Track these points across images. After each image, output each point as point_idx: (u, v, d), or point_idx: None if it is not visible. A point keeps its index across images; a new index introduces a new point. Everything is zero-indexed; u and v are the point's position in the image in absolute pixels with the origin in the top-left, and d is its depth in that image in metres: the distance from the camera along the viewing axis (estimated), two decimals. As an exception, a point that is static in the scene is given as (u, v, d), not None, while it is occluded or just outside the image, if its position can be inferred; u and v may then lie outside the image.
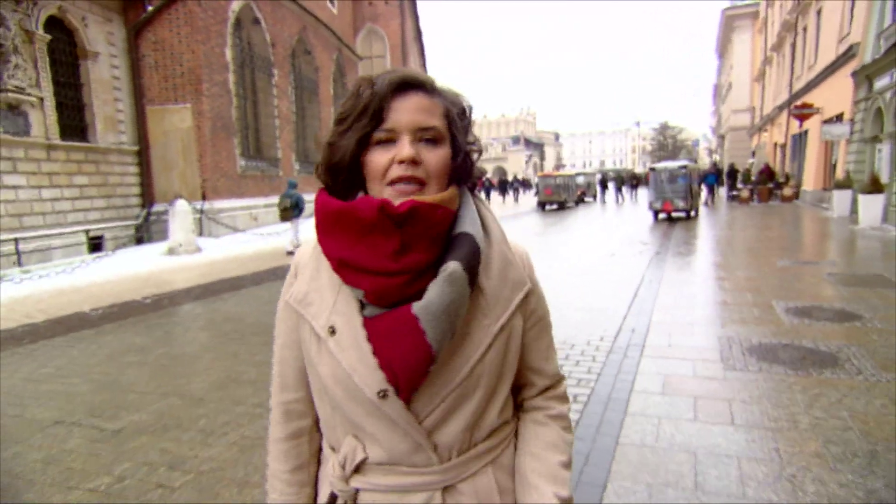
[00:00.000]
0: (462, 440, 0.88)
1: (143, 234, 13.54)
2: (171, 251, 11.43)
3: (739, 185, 23.96)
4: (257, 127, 17.51)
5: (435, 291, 0.80)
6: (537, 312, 0.97)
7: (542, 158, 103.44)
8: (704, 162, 62.42)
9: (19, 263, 9.82)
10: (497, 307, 0.88)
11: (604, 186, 31.99)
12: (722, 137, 54.97)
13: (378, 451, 0.86)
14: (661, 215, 17.30)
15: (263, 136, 17.79)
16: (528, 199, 34.53)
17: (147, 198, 13.98)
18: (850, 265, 8.15)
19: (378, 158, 0.84)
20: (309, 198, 14.02)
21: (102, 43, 12.77)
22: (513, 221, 19.83)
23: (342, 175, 0.88)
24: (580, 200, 29.93)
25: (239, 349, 5.30)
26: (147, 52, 13.78)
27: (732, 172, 26.87)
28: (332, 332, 0.85)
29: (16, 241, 9.91)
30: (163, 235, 12.67)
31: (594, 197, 32.45)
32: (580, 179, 31.00)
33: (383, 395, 0.82)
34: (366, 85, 0.85)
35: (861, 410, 3.24)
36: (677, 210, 16.67)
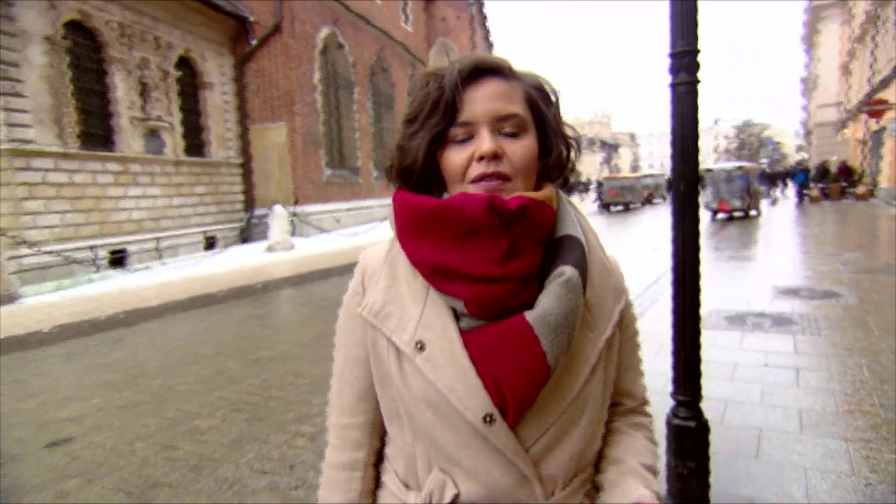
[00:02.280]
0: (567, 470, 0.77)
1: (247, 234, 15.85)
2: (270, 248, 13.52)
3: (810, 184, 23.62)
4: (340, 139, 19.60)
5: (552, 300, 0.70)
6: (631, 327, 0.89)
7: (609, 160, 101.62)
8: (791, 161, 59.66)
9: (159, 256, 12.22)
10: (601, 319, 0.79)
11: (671, 188, 32.00)
12: (809, 134, 52.50)
13: (473, 486, 0.73)
14: (719, 215, 17.78)
15: (346, 147, 19.87)
16: (588, 203, 35.01)
17: (249, 203, 16.30)
18: (870, 257, 8.78)
19: (455, 157, 0.75)
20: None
21: (216, 73, 15.18)
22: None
23: (415, 177, 0.79)
24: (647, 202, 30.25)
25: (329, 317, 6.96)
26: (250, 79, 16.12)
27: (820, 169, 26.35)
28: (421, 347, 0.73)
29: (156, 239, 12.33)
30: (263, 235, 14.85)
31: (662, 198, 32.56)
32: (647, 181, 31.28)
33: (489, 419, 0.70)
34: (433, 78, 0.76)
35: (782, 353, 4.38)
36: (734, 210, 17.12)
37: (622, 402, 0.90)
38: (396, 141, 0.80)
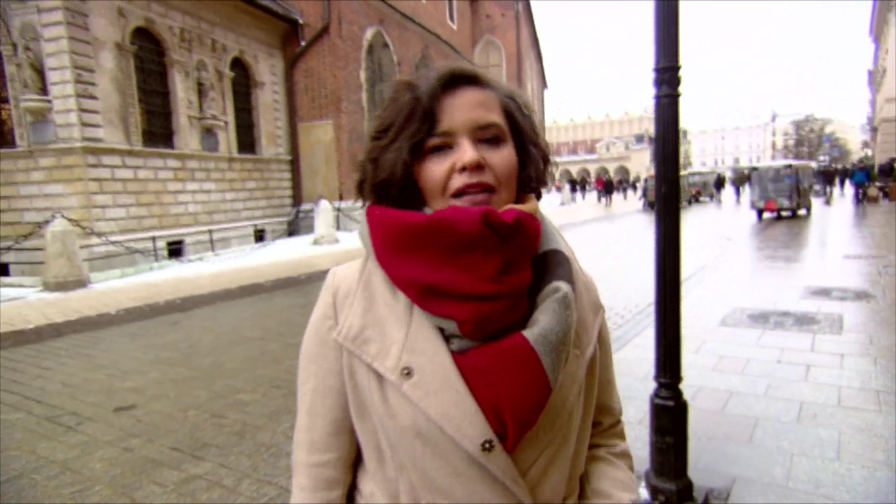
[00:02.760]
0: (559, 493, 0.75)
1: (294, 227, 16.55)
2: (316, 241, 14.12)
3: (869, 183, 22.61)
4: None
5: (550, 317, 0.68)
6: (607, 341, 0.85)
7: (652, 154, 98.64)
8: (855, 158, 56.84)
9: (212, 248, 12.99)
10: (585, 336, 0.77)
11: (719, 186, 31.27)
12: (875, 130, 49.93)
13: None
14: (766, 214, 17.35)
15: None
16: (633, 201, 34.49)
17: (297, 198, 17.01)
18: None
19: (435, 169, 0.71)
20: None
21: (267, 73, 15.90)
22: (614, 221, 20.74)
23: (393, 191, 0.74)
24: (695, 200, 29.61)
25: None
26: (299, 79, 16.78)
27: (885, 168, 25.15)
28: (408, 374, 0.68)
29: (210, 231, 13.11)
30: (309, 229, 15.49)
31: (710, 196, 31.78)
32: (695, 178, 30.60)
33: (488, 446, 0.66)
34: (405, 88, 0.74)
35: (799, 350, 4.47)
36: (781, 209, 16.69)
37: (601, 421, 0.88)
38: (366, 155, 0.77)
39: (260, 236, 15.27)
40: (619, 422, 0.92)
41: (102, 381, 4.72)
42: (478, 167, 0.70)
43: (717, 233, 14.54)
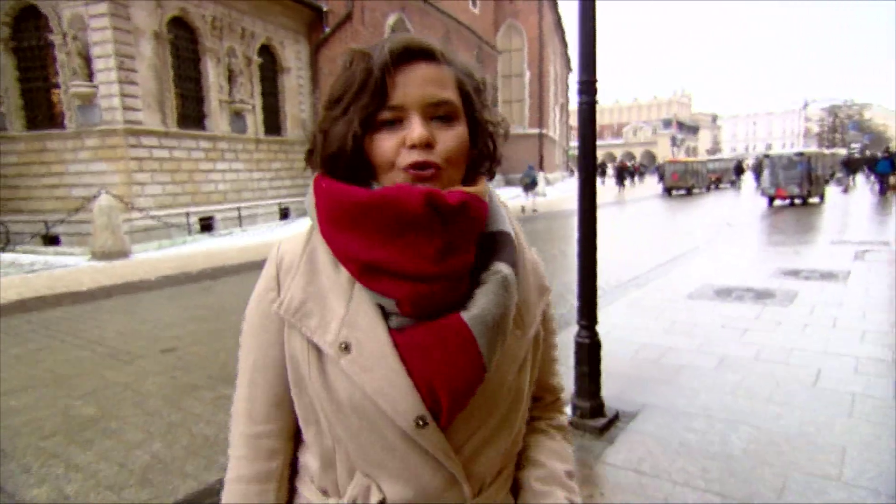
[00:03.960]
0: (494, 467, 0.78)
1: (317, 207, 17.45)
2: (336, 220, 15.01)
3: (891, 172, 22.45)
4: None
5: (490, 299, 0.69)
6: (551, 322, 0.88)
7: (674, 143, 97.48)
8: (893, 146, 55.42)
9: (240, 224, 13.95)
10: (528, 317, 0.77)
11: (739, 172, 31.26)
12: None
13: (400, 489, 0.71)
14: (777, 201, 17.62)
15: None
16: (644, 186, 34.66)
17: (320, 179, 17.89)
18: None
19: (384, 143, 0.69)
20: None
21: (293, 59, 16.69)
22: (630, 206, 21.17)
23: (342, 164, 0.72)
24: (715, 186, 29.70)
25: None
26: (323, 64, 17.52)
27: None
28: (346, 348, 0.69)
29: (238, 209, 14.06)
30: (331, 208, 16.39)
31: (731, 183, 31.78)
32: (714, 165, 30.63)
33: (421, 423, 0.68)
34: (360, 58, 0.70)
35: (745, 318, 5.12)
36: (792, 196, 16.97)
37: (543, 397, 0.91)
38: (318, 124, 0.75)
39: (285, 214, 16.19)
40: (559, 398, 0.94)
41: (149, 331, 5.61)
42: (427, 145, 0.68)
43: (722, 218, 14.96)
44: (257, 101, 15.05)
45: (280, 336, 0.75)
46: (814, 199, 17.83)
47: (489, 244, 0.74)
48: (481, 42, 26.44)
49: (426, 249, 0.66)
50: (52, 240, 11.84)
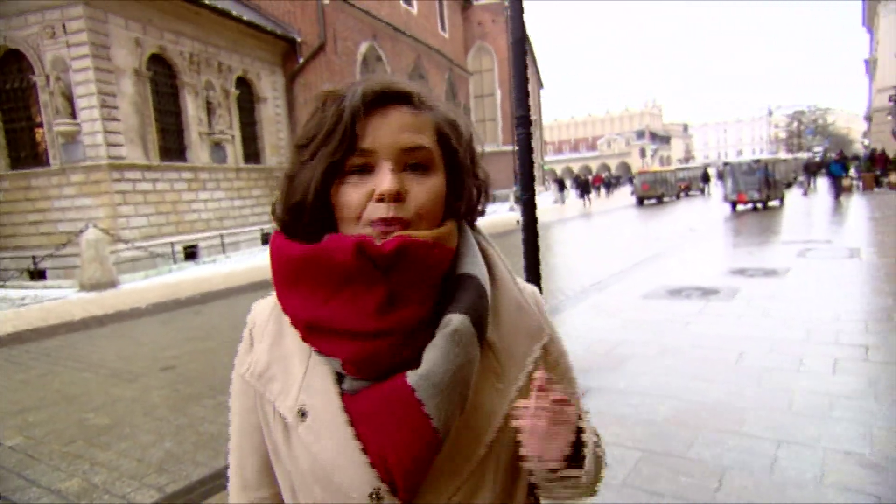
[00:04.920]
0: None
1: (298, 231, 17.91)
2: (318, 243, 15.47)
3: (843, 174, 23.65)
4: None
5: (436, 355, 0.62)
6: (560, 365, 0.78)
7: (641, 154, 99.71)
8: (856, 149, 57.67)
9: (224, 251, 14.34)
10: (511, 367, 0.69)
11: (705, 180, 32.41)
12: (870, 120, 50.79)
13: None
14: (739, 206, 18.52)
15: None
16: (618, 197, 35.67)
17: (300, 204, 18.37)
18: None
19: (351, 194, 0.64)
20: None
21: (269, 89, 17.24)
22: (603, 217, 21.96)
23: (306, 216, 0.67)
24: (685, 194, 30.75)
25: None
26: (299, 93, 18.11)
27: (869, 157, 26.06)
28: (303, 415, 0.65)
29: (221, 236, 14.46)
30: (312, 232, 16.86)
31: (701, 191, 32.89)
32: (682, 174, 31.74)
33: (376, 496, 0.61)
34: (331, 100, 0.66)
35: (690, 313, 5.71)
36: (752, 201, 17.87)
37: None
38: (286, 168, 0.68)
39: (266, 239, 16.58)
40: None
41: (147, 352, 6.03)
42: (397, 197, 0.62)
43: (687, 224, 15.74)
44: (236, 131, 15.54)
45: (256, 402, 0.71)
46: (774, 203, 18.76)
47: (452, 291, 0.67)
48: (452, 65, 27.31)
49: (365, 303, 0.61)
50: (38, 274, 12.11)
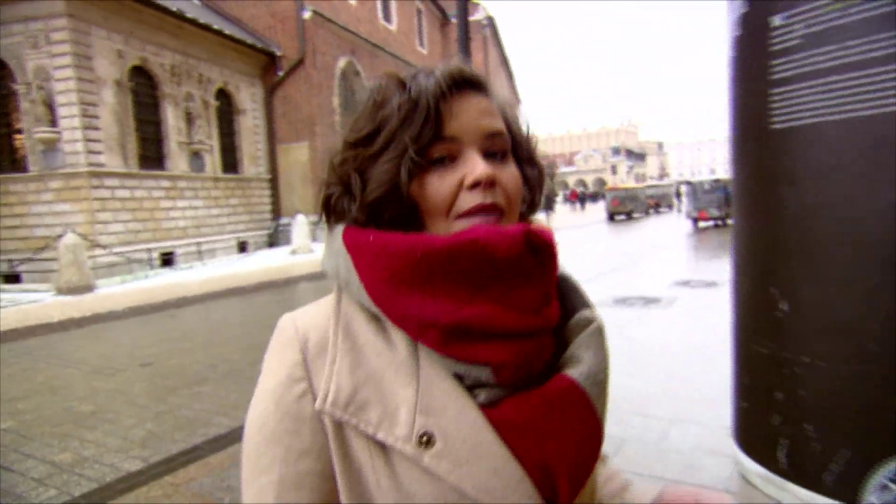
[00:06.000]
0: None
1: (274, 239, 18.21)
2: (293, 252, 15.80)
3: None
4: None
5: (592, 354, 0.61)
6: None
7: (612, 171, 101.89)
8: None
9: (200, 258, 14.63)
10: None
11: (679, 197, 33.52)
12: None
13: None
14: (701, 223, 19.42)
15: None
16: (592, 212, 36.65)
17: (276, 213, 18.70)
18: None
19: (439, 184, 0.59)
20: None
21: (248, 101, 17.64)
22: (573, 231, 22.73)
23: (388, 211, 0.60)
24: (654, 210, 31.79)
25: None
26: (277, 105, 18.54)
27: None
28: (428, 441, 0.55)
29: (198, 243, 14.75)
30: (288, 241, 17.18)
31: (670, 207, 33.99)
32: (651, 191, 32.81)
33: None
34: (396, 85, 0.61)
35: (630, 319, 6.30)
36: (713, 218, 18.78)
37: None
38: (344, 166, 0.62)
39: (243, 247, 16.90)
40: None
41: (125, 351, 6.39)
42: (491, 183, 0.59)
43: (651, 240, 16.51)
44: (215, 141, 15.90)
45: (317, 441, 0.57)
46: (731, 220, 19.65)
47: (562, 291, 0.67)
48: (430, 80, 28.01)
49: (529, 298, 0.57)
50: (13, 278, 12.27)
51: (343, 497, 0.57)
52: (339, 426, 0.57)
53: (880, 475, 1.21)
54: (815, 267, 1.32)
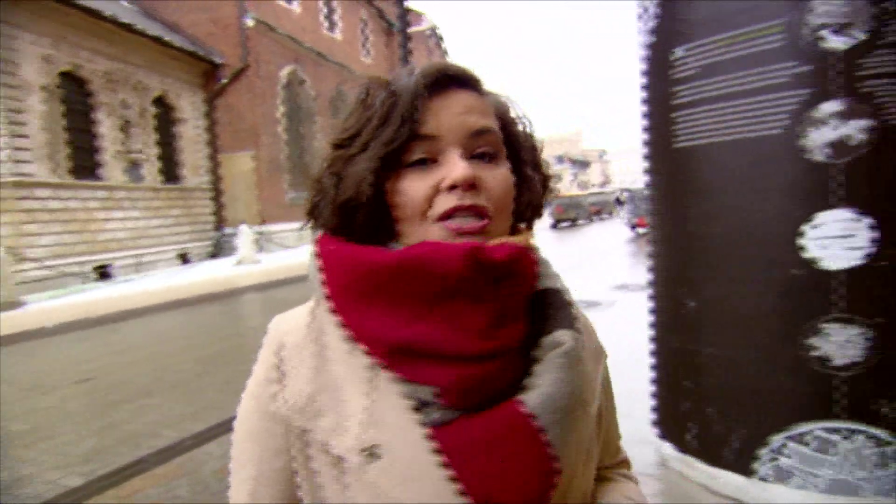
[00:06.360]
0: None
1: (218, 250, 17.76)
2: (237, 262, 15.46)
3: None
4: (304, 164, 21.69)
5: (554, 377, 0.55)
6: (610, 387, 0.73)
7: (559, 177, 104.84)
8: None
9: (139, 271, 14.10)
10: (588, 390, 0.62)
11: (619, 203, 34.80)
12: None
13: None
14: (640, 229, 20.25)
15: (309, 171, 21.85)
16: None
17: (220, 223, 18.25)
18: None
19: (415, 186, 0.57)
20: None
21: (189, 109, 17.19)
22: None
23: (361, 216, 0.59)
24: (596, 217, 32.87)
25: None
26: (220, 114, 18.14)
27: None
28: (373, 455, 0.54)
29: (137, 255, 14.23)
30: (232, 251, 16.80)
31: (611, 213, 35.23)
32: (593, 199, 33.94)
33: None
34: (380, 86, 0.59)
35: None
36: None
37: (605, 464, 0.75)
38: (326, 167, 0.61)
39: (185, 259, 16.40)
40: (625, 459, 0.80)
41: (63, 367, 6.16)
42: (471, 185, 0.56)
43: (593, 246, 17.11)
44: (154, 150, 15.40)
45: (288, 440, 0.58)
46: (669, 226, 20.59)
47: (540, 307, 0.61)
48: (376, 89, 28.04)
49: (472, 320, 0.54)
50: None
51: (303, 498, 0.59)
52: (298, 431, 0.58)
53: (768, 449, 1.41)
54: (715, 268, 1.52)
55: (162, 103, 16.03)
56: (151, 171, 15.28)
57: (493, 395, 0.55)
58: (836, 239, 1.31)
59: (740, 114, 1.40)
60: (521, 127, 0.67)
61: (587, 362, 0.62)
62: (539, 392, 0.55)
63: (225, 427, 3.78)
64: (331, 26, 23.78)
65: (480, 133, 0.59)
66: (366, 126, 0.58)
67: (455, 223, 0.56)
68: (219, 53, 17.86)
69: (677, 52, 1.51)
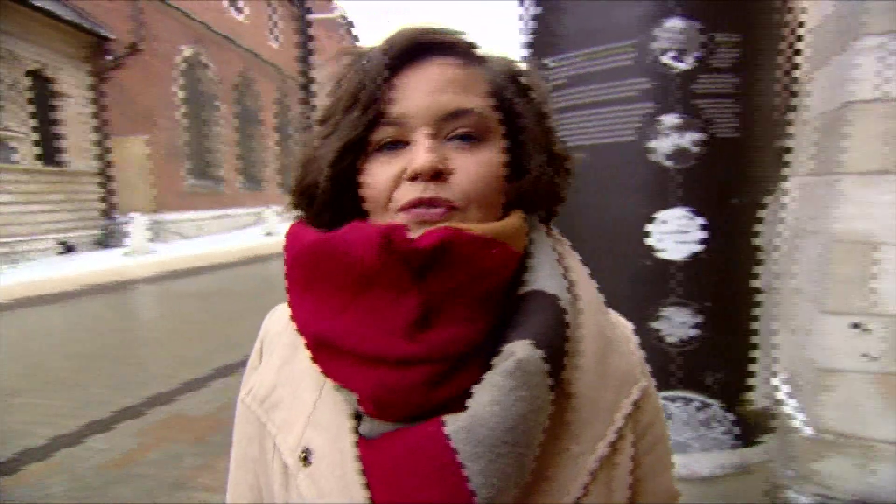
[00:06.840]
0: None
1: (107, 240, 16.48)
2: (129, 253, 14.46)
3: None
4: (204, 151, 20.60)
5: (488, 397, 0.46)
6: (655, 429, 0.59)
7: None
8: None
9: (12, 260, 12.79)
10: (594, 423, 0.52)
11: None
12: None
13: None
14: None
15: (211, 159, 20.89)
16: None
17: (110, 211, 16.94)
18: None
19: (379, 173, 0.52)
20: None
21: (73, 86, 15.77)
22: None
23: (320, 203, 0.54)
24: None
25: (179, 305, 8.59)
26: (110, 93, 16.79)
27: None
28: (306, 459, 0.50)
29: (9, 243, 12.89)
30: (123, 241, 15.67)
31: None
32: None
33: None
34: (356, 59, 0.53)
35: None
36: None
37: None
38: (303, 151, 0.56)
39: (68, 248, 15.09)
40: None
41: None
42: (436, 175, 0.49)
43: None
44: (28, 128, 14.00)
45: (257, 432, 0.57)
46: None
47: (518, 312, 0.51)
48: (285, 76, 27.09)
49: (391, 317, 0.47)
50: None
51: (263, 486, 0.58)
52: (258, 421, 0.57)
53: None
54: (582, 254, 1.70)
55: (39, 77, 14.60)
56: (26, 151, 13.89)
57: (424, 410, 0.47)
58: (674, 234, 1.51)
59: (600, 122, 1.57)
60: (523, 97, 0.56)
61: (593, 385, 0.52)
62: (465, 415, 0.46)
63: (111, 421, 3.60)
64: (236, 8, 22.71)
65: (455, 115, 0.51)
66: (336, 108, 0.53)
67: (419, 210, 0.50)
68: (108, 28, 16.53)
69: (550, 62, 1.66)
